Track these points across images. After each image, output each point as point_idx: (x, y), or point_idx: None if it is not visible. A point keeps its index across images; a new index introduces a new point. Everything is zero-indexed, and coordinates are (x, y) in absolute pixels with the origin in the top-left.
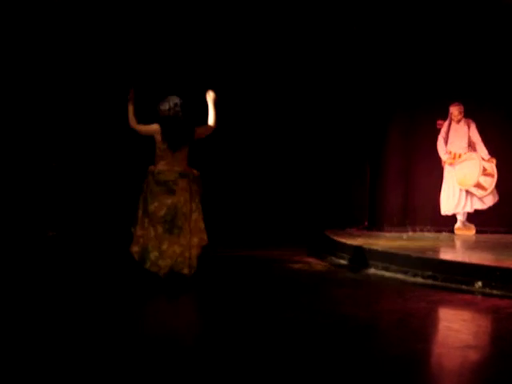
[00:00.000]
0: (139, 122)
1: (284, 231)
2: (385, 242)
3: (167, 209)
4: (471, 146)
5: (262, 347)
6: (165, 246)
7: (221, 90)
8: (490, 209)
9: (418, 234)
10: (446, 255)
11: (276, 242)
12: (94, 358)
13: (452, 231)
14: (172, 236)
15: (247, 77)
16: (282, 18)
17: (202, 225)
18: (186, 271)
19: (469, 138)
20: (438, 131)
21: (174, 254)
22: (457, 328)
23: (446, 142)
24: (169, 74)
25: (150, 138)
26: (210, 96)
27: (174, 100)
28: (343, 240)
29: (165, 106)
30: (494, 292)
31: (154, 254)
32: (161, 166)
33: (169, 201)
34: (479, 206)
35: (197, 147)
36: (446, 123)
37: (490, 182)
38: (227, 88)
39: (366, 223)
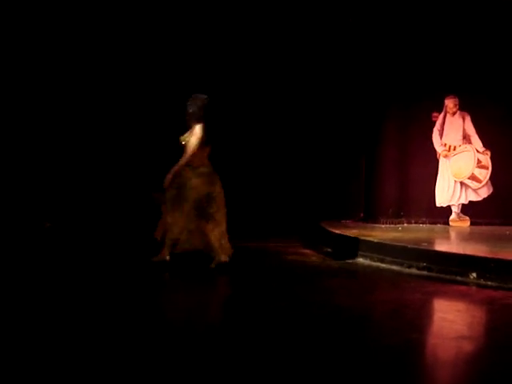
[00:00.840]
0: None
1: (280, 223)
2: (380, 233)
3: (200, 195)
4: (466, 138)
5: (256, 337)
6: (192, 226)
7: (217, 83)
8: (484, 201)
9: (413, 226)
10: (441, 247)
11: (272, 233)
12: (107, 344)
13: (447, 223)
14: (202, 222)
15: (244, 72)
16: (276, 11)
17: None
18: (223, 258)
19: (464, 130)
20: (433, 123)
21: (201, 240)
22: (451, 319)
23: (441, 135)
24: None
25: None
26: None
27: (191, 101)
28: (339, 231)
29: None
30: (489, 283)
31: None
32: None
33: (204, 187)
34: (474, 197)
35: None
36: (441, 116)
37: (485, 174)
38: (222, 80)
39: (362, 215)
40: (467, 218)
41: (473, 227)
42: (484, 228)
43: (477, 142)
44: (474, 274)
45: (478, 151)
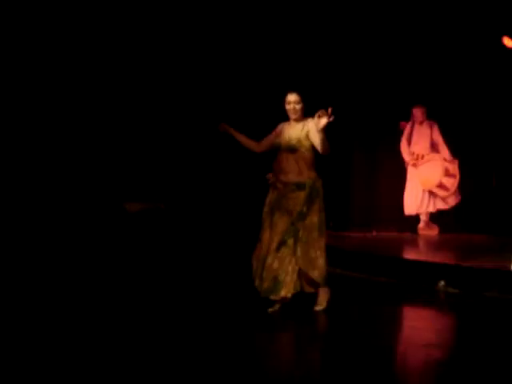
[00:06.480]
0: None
1: None
2: (349, 242)
3: None
4: (434, 147)
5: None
6: None
7: None
8: (452, 209)
9: (382, 235)
10: (410, 255)
11: None
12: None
13: (415, 231)
14: None
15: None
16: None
17: None
18: None
19: (431, 139)
20: (401, 132)
21: None
22: (420, 326)
23: (409, 143)
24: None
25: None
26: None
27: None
28: None
29: None
30: (457, 291)
31: None
32: None
33: None
34: (442, 206)
35: None
36: (409, 125)
37: (453, 183)
38: None
39: (331, 224)
40: (435, 226)
41: (441, 235)
42: (452, 236)
43: (444, 151)
44: (443, 282)
45: (445, 160)
